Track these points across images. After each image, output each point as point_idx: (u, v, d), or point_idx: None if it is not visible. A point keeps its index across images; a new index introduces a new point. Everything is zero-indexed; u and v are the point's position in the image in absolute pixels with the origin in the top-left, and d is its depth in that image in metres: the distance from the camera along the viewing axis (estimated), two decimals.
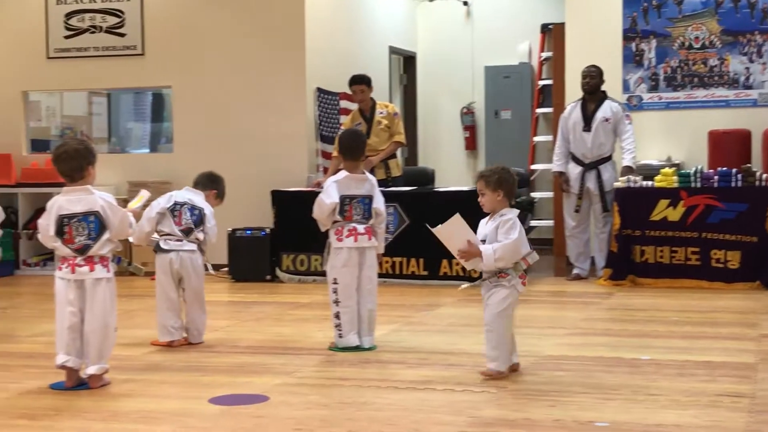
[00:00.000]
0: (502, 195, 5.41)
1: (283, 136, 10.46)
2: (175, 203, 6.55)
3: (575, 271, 9.58)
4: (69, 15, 11.11)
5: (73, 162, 5.41)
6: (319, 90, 10.68)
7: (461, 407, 4.80)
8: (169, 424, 4.59)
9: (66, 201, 5.38)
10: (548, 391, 5.10)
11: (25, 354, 6.39)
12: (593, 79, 9.50)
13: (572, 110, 9.64)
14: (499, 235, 5.32)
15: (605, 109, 9.46)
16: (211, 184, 6.74)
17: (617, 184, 9.22)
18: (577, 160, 9.56)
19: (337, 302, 6.22)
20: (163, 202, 6.55)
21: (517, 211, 5.44)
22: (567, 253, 9.80)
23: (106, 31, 11.02)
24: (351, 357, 6.04)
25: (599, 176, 9.44)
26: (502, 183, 5.45)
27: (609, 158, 9.51)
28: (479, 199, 5.55)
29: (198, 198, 6.61)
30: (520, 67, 12.94)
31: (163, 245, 6.54)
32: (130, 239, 6.28)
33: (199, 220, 6.55)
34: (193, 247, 6.52)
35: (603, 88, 9.62)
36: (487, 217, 5.51)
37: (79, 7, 11.09)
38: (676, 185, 8.96)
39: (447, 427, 4.44)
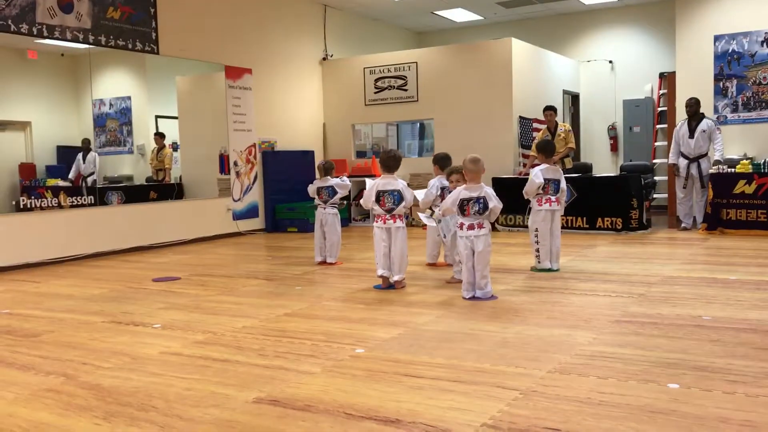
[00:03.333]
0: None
1: (500, 144, 10.35)
2: (444, 187, 6.52)
3: (683, 225, 9.10)
4: (377, 80, 11.37)
5: (395, 162, 5.61)
6: (521, 117, 10.50)
7: (616, 305, 4.67)
8: (437, 308, 4.69)
9: (382, 183, 5.57)
10: (670, 297, 4.87)
11: (358, 269, 6.62)
12: (692, 107, 9.09)
13: (682, 125, 9.21)
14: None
15: (703, 125, 9.00)
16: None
17: (711, 171, 8.63)
18: (684, 156, 9.08)
19: (537, 242, 6.15)
20: (437, 184, 6.50)
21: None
22: (677, 213, 9.29)
23: (397, 88, 11.22)
24: (545, 275, 5.97)
25: (699, 166, 8.98)
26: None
27: (705, 155, 8.98)
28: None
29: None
30: (645, 99, 12.24)
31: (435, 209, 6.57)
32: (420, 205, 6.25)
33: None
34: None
35: (702, 110, 9.10)
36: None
37: (382, 75, 11.30)
38: (750, 171, 8.31)
39: (607, 317, 4.33)
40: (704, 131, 8.97)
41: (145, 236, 8.77)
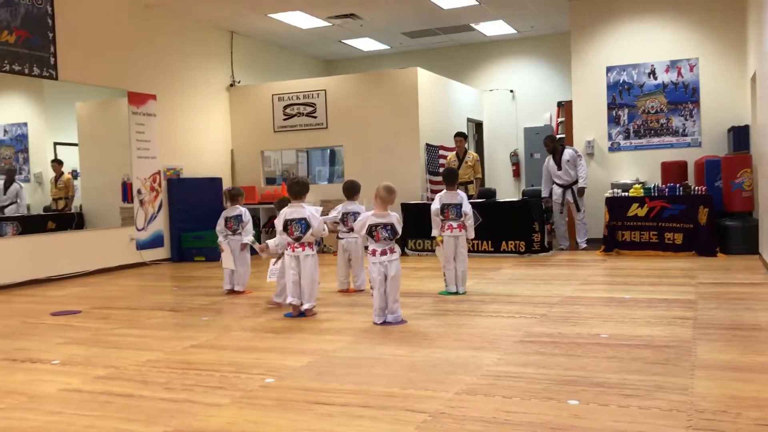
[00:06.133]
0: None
1: (407, 171, 10.55)
2: (346, 212, 6.67)
3: (560, 245, 9.83)
4: (285, 107, 11.38)
5: (299, 188, 5.60)
6: (427, 144, 10.74)
7: (519, 326, 4.82)
8: (348, 335, 4.71)
9: (290, 211, 5.55)
10: (570, 316, 5.08)
11: (268, 297, 6.46)
12: (547, 146, 9.90)
13: (548, 160, 9.95)
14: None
15: (566, 155, 9.74)
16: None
17: (607, 195, 9.12)
18: (559, 185, 9.78)
19: (444, 266, 6.29)
20: (341, 209, 6.68)
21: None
22: (555, 237, 9.96)
23: (306, 115, 11.26)
24: (452, 298, 6.10)
25: (573, 192, 9.71)
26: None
27: (576, 181, 9.70)
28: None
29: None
30: (544, 127, 12.81)
31: (341, 236, 6.71)
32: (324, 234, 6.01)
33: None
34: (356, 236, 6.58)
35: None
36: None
37: (291, 102, 11.33)
38: (642, 194, 8.79)
39: (511, 338, 4.47)
40: (568, 161, 9.71)
41: (42, 269, 8.37)
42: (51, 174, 9.47)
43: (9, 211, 8.65)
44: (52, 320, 5.81)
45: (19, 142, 9.07)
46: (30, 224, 8.84)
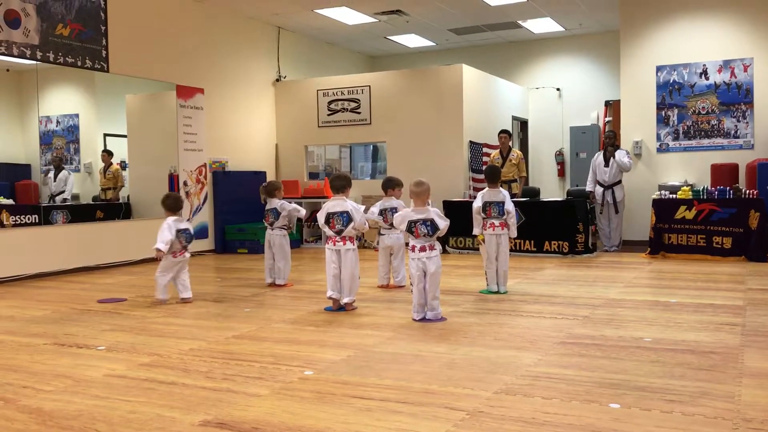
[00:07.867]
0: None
1: (450, 168, 10.50)
2: (384, 208, 6.63)
3: (605, 247, 9.70)
4: (330, 102, 11.44)
5: (340, 182, 5.62)
6: (471, 142, 10.67)
7: (561, 327, 4.76)
8: (387, 330, 4.72)
9: (332, 205, 5.58)
10: (613, 319, 5.00)
11: (309, 291, 6.62)
12: (610, 138, 9.74)
13: (598, 155, 9.85)
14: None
15: (617, 155, 9.56)
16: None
17: (654, 197, 8.94)
18: (600, 184, 9.71)
19: (485, 265, 6.24)
20: (379, 206, 6.66)
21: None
22: (599, 237, 9.81)
23: (350, 111, 11.29)
24: (493, 297, 6.05)
25: (613, 193, 9.62)
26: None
27: (619, 182, 9.63)
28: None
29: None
30: (591, 126, 12.62)
31: (383, 232, 6.71)
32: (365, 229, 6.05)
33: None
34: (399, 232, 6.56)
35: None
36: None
37: (335, 98, 11.38)
38: (690, 197, 8.61)
39: (553, 338, 4.41)
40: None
41: (90, 256, 8.59)
42: (100, 164, 9.68)
43: (59, 200, 8.88)
44: (99, 307, 5.95)
45: (71, 132, 9.30)
46: (79, 213, 9.06)
